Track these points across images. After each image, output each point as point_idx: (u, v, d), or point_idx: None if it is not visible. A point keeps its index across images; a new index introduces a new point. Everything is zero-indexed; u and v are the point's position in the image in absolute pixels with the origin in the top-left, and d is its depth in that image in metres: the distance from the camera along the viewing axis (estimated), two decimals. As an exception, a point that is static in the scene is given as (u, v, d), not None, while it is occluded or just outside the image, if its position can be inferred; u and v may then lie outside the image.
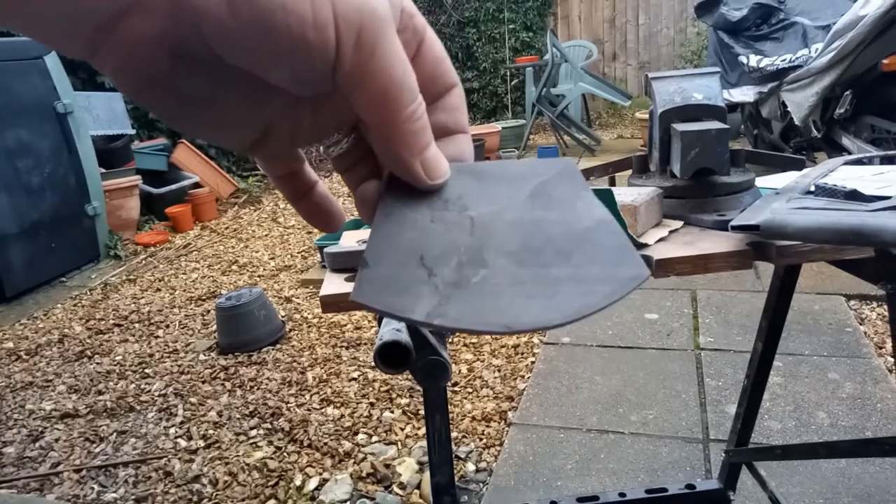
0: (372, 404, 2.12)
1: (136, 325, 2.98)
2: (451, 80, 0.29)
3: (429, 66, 0.28)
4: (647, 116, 0.83)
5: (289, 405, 2.16)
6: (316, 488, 1.75)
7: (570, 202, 0.27)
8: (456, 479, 1.64)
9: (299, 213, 0.32)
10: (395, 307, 0.22)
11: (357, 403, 2.13)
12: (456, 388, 2.16)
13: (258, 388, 2.29)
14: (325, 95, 0.26)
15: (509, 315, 0.22)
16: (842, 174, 0.74)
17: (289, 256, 3.78)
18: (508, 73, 7.79)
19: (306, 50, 0.22)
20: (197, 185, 4.93)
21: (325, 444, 1.93)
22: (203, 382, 2.38)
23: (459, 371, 2.27)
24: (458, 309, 0.22)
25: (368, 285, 0.23)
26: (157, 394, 2.33)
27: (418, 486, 1.72)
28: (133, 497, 1.78)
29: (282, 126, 0.27)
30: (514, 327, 0.22)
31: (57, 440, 2.09)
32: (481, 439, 1.88)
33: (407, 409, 2.08)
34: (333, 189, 4.38)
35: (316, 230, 4.18)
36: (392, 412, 2.06)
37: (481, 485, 1.70)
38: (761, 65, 3.58)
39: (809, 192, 0.68)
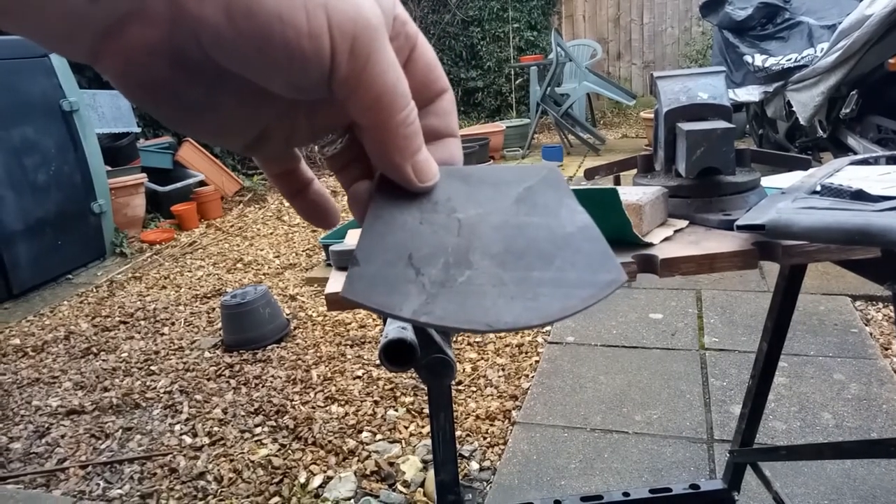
0: (376, 402, 2.13)
1: (142, 323, 2.99)
2: (443, 85, 0.30)
3: (421, 72, 0.29)
4: (651, 116, 0.83)
5: (293, 403, 2.17)
6: (320, 486, 1.75)
7: (554, 208, 0.28)
8: (460, 477, 1.64)
9: (295, 210, 0.33)
10: (384, 305, 0.23)
11: (361, 401, 2.14)
12: (460, 387, 2.16)
13: (263, 386, 2.30)
14: (321, 99, 0.26)
15: (492, 314, 0.23)
16: (847, 174, 0.73)
17: (294, 254, 3.79)
18: (513, 72, 7.79)
19: (302, 59, 0.23)
20: (202, 184, 4.94)
21: (330, 441, 1.93)
22: (208, 380, 2.39)
23: (464, 370, 2.27)
24: (444, 308, 0.23)
25: (358, 283, 0.24)
26: (162, 391, 2.34)
27: (422, 485, 1.73)
28: (138, 493, 1.79)
29: (278, 129, 0.28)
30: (496, 326, 0.22)
31: (63, 436, 2.10)
32: (485, 438, 1.88)
33: (411, 407, 2.08)
34: (332, 187, 4.38)
35: (320, 228, 4.22)
36: (396, 410, 2.07)
37: (485, 483, 1.71)
38: (766, 64, 3.57)
39: (815, 192, 0.68)
